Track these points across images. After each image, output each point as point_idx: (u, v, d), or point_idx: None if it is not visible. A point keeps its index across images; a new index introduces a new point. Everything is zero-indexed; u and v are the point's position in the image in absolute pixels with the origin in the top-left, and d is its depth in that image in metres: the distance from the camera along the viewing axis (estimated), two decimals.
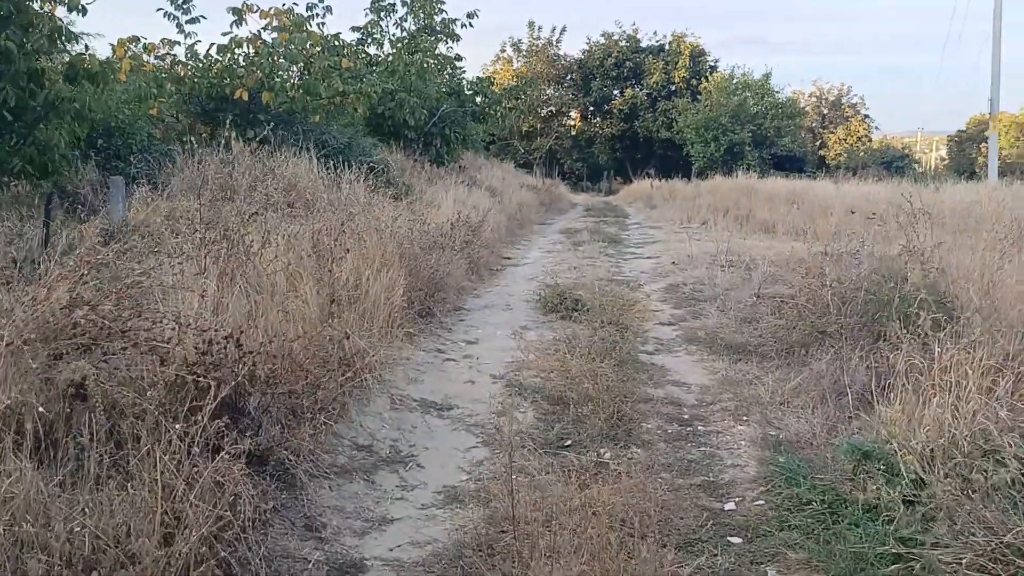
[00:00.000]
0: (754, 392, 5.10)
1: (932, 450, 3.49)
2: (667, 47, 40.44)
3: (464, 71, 17.52)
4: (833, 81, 55.13)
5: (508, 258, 11.25)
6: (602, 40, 41.04)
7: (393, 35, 16.51)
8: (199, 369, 3.24)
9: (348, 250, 5.81)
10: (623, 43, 40.65)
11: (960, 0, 70.44)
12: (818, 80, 52.09)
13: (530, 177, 21.38)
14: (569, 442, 4.33)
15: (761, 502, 3.68)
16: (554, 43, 39.68)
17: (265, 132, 8.90)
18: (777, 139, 33.42)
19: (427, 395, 5.08)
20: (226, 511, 2.70)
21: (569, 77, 41.36)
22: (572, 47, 52.44)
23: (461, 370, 5.70)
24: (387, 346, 5.44)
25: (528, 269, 10.40)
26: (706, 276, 8.53)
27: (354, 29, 16.55)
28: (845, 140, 50.11)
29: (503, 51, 39.32)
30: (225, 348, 3.43)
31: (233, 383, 3.22)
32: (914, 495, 3.37)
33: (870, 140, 53.02)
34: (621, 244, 13.16)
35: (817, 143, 49.82)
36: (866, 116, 51.96)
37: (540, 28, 39.52)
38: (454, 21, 16.84)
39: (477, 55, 69.75)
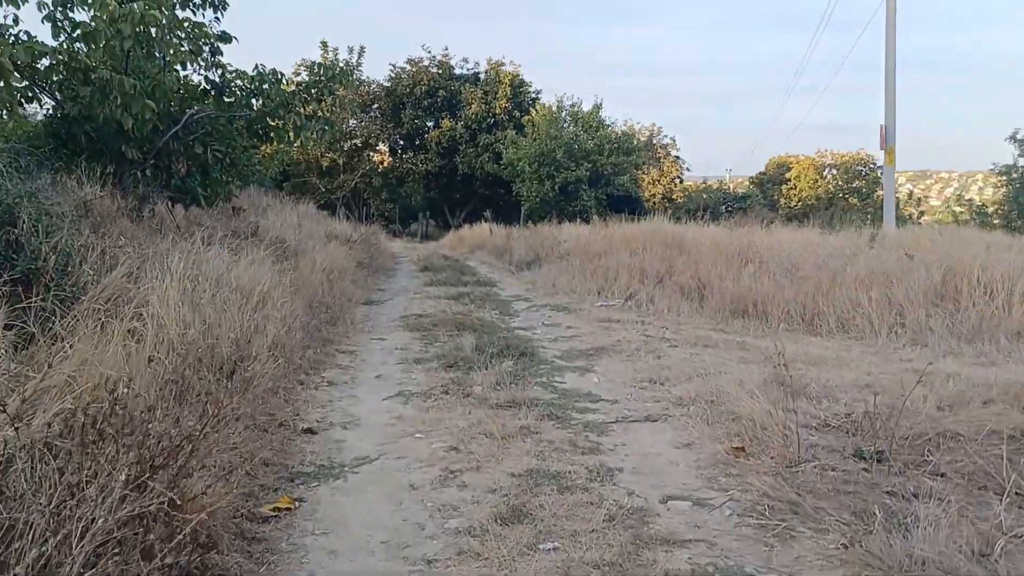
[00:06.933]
0: None
1: None
2: (483, 76, 35.76)
3: (233, 68, 10.66)
4: (644, 122, 53.37)
5: (310, 430, 4.55)
6: (407, 67, 35.53)
7: None
8: None
9: None
10: (434, 69, 35.43)
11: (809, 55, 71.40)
12: (629, 121, 49.98)
13: (338, 223, 15.01)
14: None
15: None
16: (354, 65, 33.02)
17: None
18: (614, 177, 29.49)
19: None
20: None
21: (375, 106, 35.40)
22: (374, 73, 46.43)
23: None
24: None
25: (375, 534, 3.25)
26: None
27: None
28: (659, 181, 48.13)
29: (296, 74, 32.21)
30: None
31: None
32: None
33: (682, 181, 51.68)
34: (540, 364, 6.36)
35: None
36: (677, 158, 50.61)
37: (336, 50, 32.49)
38: None
39: None
